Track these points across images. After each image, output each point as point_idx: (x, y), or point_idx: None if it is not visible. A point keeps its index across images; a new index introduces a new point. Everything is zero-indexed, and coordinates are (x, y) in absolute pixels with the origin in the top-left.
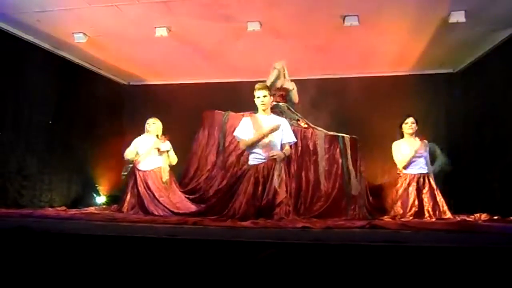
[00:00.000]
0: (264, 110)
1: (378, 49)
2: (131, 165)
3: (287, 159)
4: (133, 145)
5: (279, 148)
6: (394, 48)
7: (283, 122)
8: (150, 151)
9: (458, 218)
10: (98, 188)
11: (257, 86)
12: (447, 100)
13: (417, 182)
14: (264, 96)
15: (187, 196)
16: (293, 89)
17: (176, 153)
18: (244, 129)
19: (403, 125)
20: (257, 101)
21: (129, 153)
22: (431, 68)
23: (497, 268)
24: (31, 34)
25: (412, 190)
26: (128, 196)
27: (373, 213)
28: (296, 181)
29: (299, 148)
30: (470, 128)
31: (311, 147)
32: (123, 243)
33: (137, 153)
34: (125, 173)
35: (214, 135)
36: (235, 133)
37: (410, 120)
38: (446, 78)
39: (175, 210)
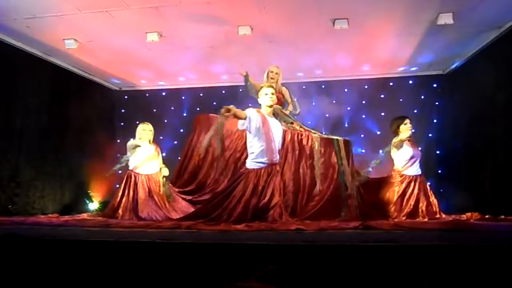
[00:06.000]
0: (270, 107)
1: (367, 51)
2: (123, 164)
3: (283, 164)
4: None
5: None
6: (383, 51)
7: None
8: (153, 157)
9: (450, 218)
10: (90, 194)
11: (264, 84)
12: (437, 101)
13: (412, 183)
14: (272, 94)
15: (189, 199)
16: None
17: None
18: (252, 118)
19: (402, 126)
20: (265, 98)
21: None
22: (421, 70)
23: (489, 266)
24: (22, 41)
25: (408, 190)
26: (124, 200)
27: (366, 213)
28: (293, 185)
29: (296, 152)
30: (461, 128)
31: (307, 151)
32: (117, 248)
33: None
34: (119, 166)
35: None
36: (239, 123)
37: (408, 121)
38: (436, 79)
39: (176, 216)
